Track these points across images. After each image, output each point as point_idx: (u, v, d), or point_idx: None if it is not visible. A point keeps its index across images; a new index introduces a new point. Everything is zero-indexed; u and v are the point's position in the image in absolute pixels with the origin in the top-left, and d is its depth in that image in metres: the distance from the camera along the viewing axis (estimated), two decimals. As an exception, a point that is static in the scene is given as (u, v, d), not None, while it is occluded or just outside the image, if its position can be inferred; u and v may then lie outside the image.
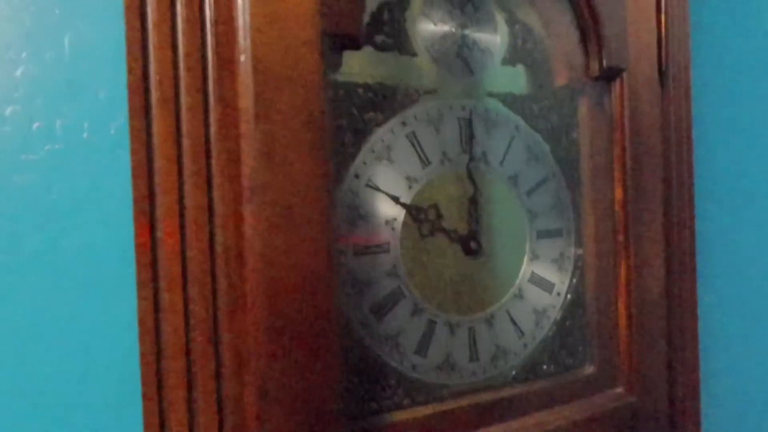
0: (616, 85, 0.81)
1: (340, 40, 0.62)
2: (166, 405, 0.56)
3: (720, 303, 0.95)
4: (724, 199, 0.92)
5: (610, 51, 0.78)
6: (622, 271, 0.82)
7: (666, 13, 0.85)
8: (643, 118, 0.81)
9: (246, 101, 0.55)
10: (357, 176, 0.71)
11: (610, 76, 0.80)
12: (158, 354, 0.55)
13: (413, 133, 0.74)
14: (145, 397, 0.55)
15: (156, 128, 0.54)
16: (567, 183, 0.85)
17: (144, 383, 0.55)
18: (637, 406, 0.81)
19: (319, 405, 0.59)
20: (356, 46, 0.65)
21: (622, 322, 0.82)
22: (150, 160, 0.54)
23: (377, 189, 0.72)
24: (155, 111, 0.54)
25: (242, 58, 0.55)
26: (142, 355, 0.54)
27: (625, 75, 0.80)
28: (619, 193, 0.82)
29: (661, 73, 0.85)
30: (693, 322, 0.89)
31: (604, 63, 0.78)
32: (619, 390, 0.83)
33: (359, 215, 0.71)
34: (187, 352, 0.56)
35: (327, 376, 0.60)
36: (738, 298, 0.97)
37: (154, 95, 0.54)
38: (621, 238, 0.82)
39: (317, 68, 0.59)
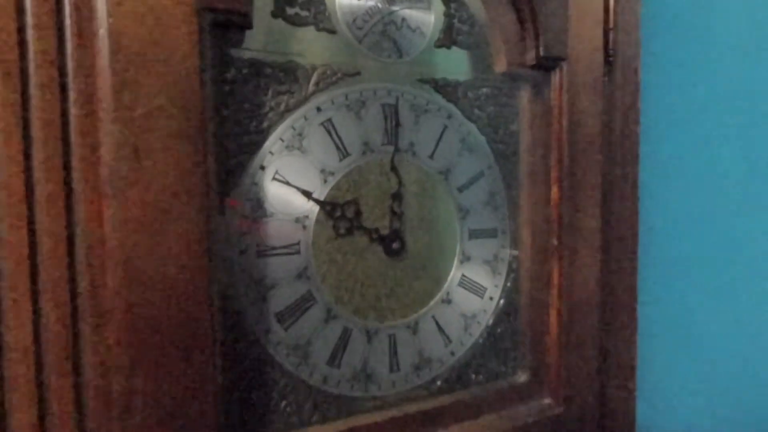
0: (556, 76, 0.74)
1: (223, 15, 0.53)
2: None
3: (660, 310, 0.92)
4: (669, 201, 0.88)
5: (549, 39, 0.71)
6: (555, 276, 0.76)
7: (615, 2, 0.79)
8: (583, 111, 0.75)
9: (104, 81, 0.46)
10: (262, 168, 0.63)
11: (548, 65, 0.74)
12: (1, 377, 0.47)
13: (330, 120, 0.66)
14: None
15: (-5, 107, 0.45)
16: (503, 179, 0.79)
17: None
18: (564, 417, 0.77)
19: (193, 423, 0.52)
20: (245, 23, 0.57)
21: (553, 329, 0.77)
22: (-13, 146, 0.45)
23: (286, 183, 0.64)
24: (-6, 86, 0.45)
25: (101, 32, 0.46)
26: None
27: (564, 65, 0.73)
28: (554, 192, 0.76)
29: (608, 64, 0.79)
30: (631, 331, 0.84)
31: (541, 51, 0.71)
32: (548, 400, 0.78)
33: (265, 212, 0.63)
34: (38, 369, 0.48)
35: (201, 391, 0.52)
36: (679, 306, 0.94)
37: (-7, 67, 0.44)
38: (554, 241, 0.76)
39: (192, 46, 0.50)
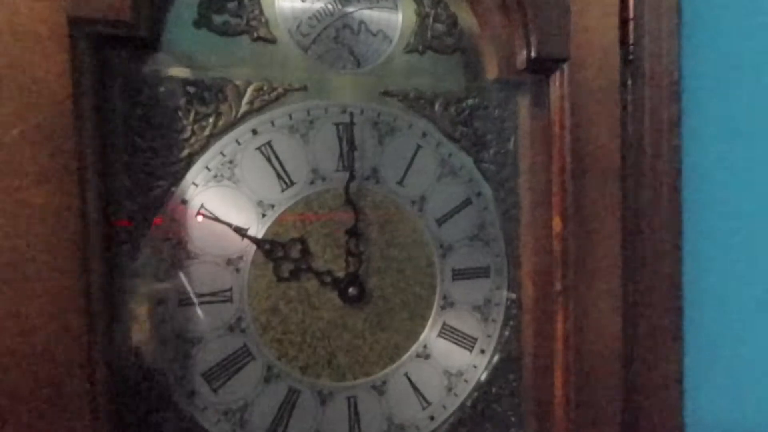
0: (556, 81, 0.60)
1: (105, 27, 0.44)
2: None
3: (710, 373, 0.72)
4: (717, 232, 0.70)
5: (543, 36, 0.58)
6: (559, 326, 0.62)
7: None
8: (593, 123, 0.60)
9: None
10: (184, 202, 0.54)
11: (545, 68, 0.60)
12: None
13: (269, 144, 0.56)
14: None
15: None
16: (497, 207, 0.66)
17: None
18: (577, 507, 0.62)
19: None
20: (148, 35, 0.48)
21: (558, 392, 0.62)
22: None
23: (214, 218, 0.55)
24: None
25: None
26: None
27: (565, 67, 0.59)
28: (557, 224, 0.61)
29: (628, 64, 0.64)
30: (671, 392, 0.67)
31: (533, 51, 0.57)
32: (555, 484, 0.63)
33: (187, 254, 0.54)
34: None
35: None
36: (732, 372, 0.74)
37: None
38: (557, 284, 0.61)
39: (62, 66, 0.42)
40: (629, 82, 0.65)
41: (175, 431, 0.54)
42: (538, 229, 0.65)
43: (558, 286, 0.61)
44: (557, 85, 0.60)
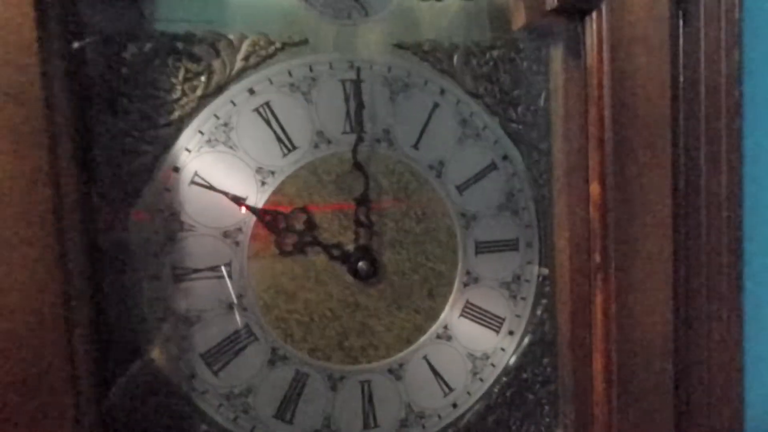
0: (593, 24, 0.52)
1: None
2: None
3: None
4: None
5: (575, -34, 0.50)
6: (598, 307, 0.54)
7: None
8: (639, 73, 0.52)
9: None
10: (176, 170, 0.49)
11: (578, 8, 0.52)
12: None
13: (267, 104, 0.51)
14: None
15: None
16: (527, 173, 0.58)
17: None
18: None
19: None
20: None
21: (598, 381, 0.55)
22: None
23: (209, 187, 0.50)
24: None
25: None
26: None
27: (603, 6, 0.51)
28: (594, 190, 0.54)
29: (680, 4, 0.55)
30: (731, 391, 0.59)
31: (563, -14, 0.50)
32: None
33: (180, 225, 0.49)
34: None
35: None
36: None
37: None
38: (597, 256, 0.54)
39: (26, 22, 0.37)
40: (681, 23, 0.56)
41: (174, 416, 0.50)
42: (575, 197, 0.57)
43: (597, 260, 0.54)
44: (594, 29, 0.52)
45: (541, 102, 0.58)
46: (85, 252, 0.44)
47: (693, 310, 0.58)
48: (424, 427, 0.57)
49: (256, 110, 0.51)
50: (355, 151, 0.52)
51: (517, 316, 0.59)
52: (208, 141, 0.50)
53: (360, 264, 0.53)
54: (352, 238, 0.53)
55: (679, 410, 0.58)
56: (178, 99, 0.49)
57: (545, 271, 0.59)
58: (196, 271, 0.50)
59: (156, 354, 0.49)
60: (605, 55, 0.52)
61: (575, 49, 0.56)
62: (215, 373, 0.51)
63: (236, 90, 0.50)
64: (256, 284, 0.52)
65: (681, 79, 0.57)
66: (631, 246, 0.54)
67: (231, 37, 0.50)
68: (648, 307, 0.54)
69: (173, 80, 0.48)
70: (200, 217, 0.50)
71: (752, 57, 0.59)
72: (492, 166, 0.57)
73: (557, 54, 0.57)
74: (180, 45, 0.49)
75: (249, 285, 0.51)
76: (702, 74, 0.57)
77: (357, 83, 0.52)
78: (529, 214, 0.59)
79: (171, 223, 0.49)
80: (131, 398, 0.48)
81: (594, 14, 0.52)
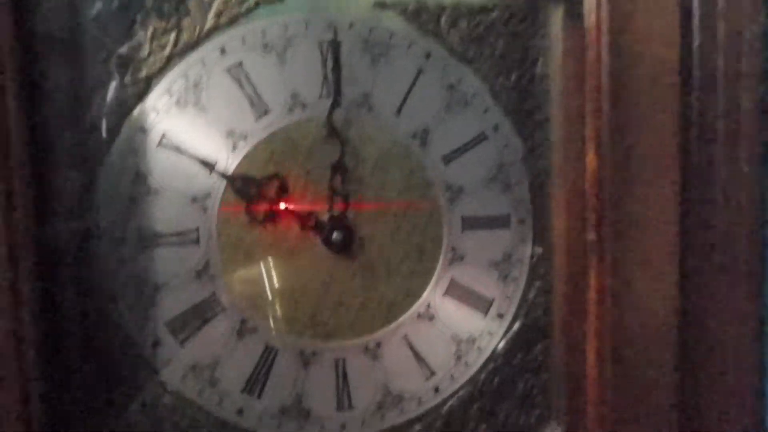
0: (591, -22, 0.48)
1: None
2: None
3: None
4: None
5: None
6: (592, 289, 0.50)
7: None
8: (643, 34, 0.47)
9: None
10: (144, 131, 0.48)
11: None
12: None
13: (240, 65, 0.49)
14: None
15: None
16: (521, 143, 0.54)
17: None
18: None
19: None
20: None
21: (591, 369, 0.51)
22: None
23: (177, 150, 0.48)
24: None
25: None
26: None
27: (603, -43, 0.46)
28: (591, 161, 0.49)
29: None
30: (744, 387, 0.53)
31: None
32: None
33: (147, 189, 0.48)
34: None
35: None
36: None
37: None
38: (591, 233, 0.49)
39: None
40: (695, -18, 0.51)
41: (137, 385, 0.48)
42: (572, 171, 0.53)
43: (592, 236, 0.49)
44: (593, -17, 0.48)
45: (537, 69, 0.54)
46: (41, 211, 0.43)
47: (705, 291, 0.52)
48: (402, 410, 0.54)
49: (228, 70, 0.49)
50: (330, 115, 0.49)
51: (507, 297, 0.55)
52: (177, 102, 0.48)
53: (335, 234, 0.50)
54: (327, 206, 0.51)
55: (686, 405, 0.53)
56: (146, 58, 0.47)
57: (539, 250, 0.55)
58: (162, 236, 0.48)
59: (118, 318, 0.48)
60: (603, 15, 0.47)
61: (575, 10, 0.51)
62: (181, 343, 0.49)
63: (207, 49, 0.48)
64: (225, 252, 0.50)
65: (696, 42, 0.52)
66: (631, 222, 0.49)
67: (201, -6, 0.48)
68: (650, 291, 0.50)
69: (139, 37, 0.47)
70: (168, 180, 0.48)
71: None
72: (481, 136, 0.54)
73: (554, 15, 0.53)
74: (149, 1, 0.47)
75: (217, 253, 0.49)
76: (720, 33, 0.52)
77: (335, 44, 0.50)
78: (522, 189, 0.54)
79: (137, 186, 0.48)
80: (90, 363, 0.47)
81: (593, -32, 0.48)
